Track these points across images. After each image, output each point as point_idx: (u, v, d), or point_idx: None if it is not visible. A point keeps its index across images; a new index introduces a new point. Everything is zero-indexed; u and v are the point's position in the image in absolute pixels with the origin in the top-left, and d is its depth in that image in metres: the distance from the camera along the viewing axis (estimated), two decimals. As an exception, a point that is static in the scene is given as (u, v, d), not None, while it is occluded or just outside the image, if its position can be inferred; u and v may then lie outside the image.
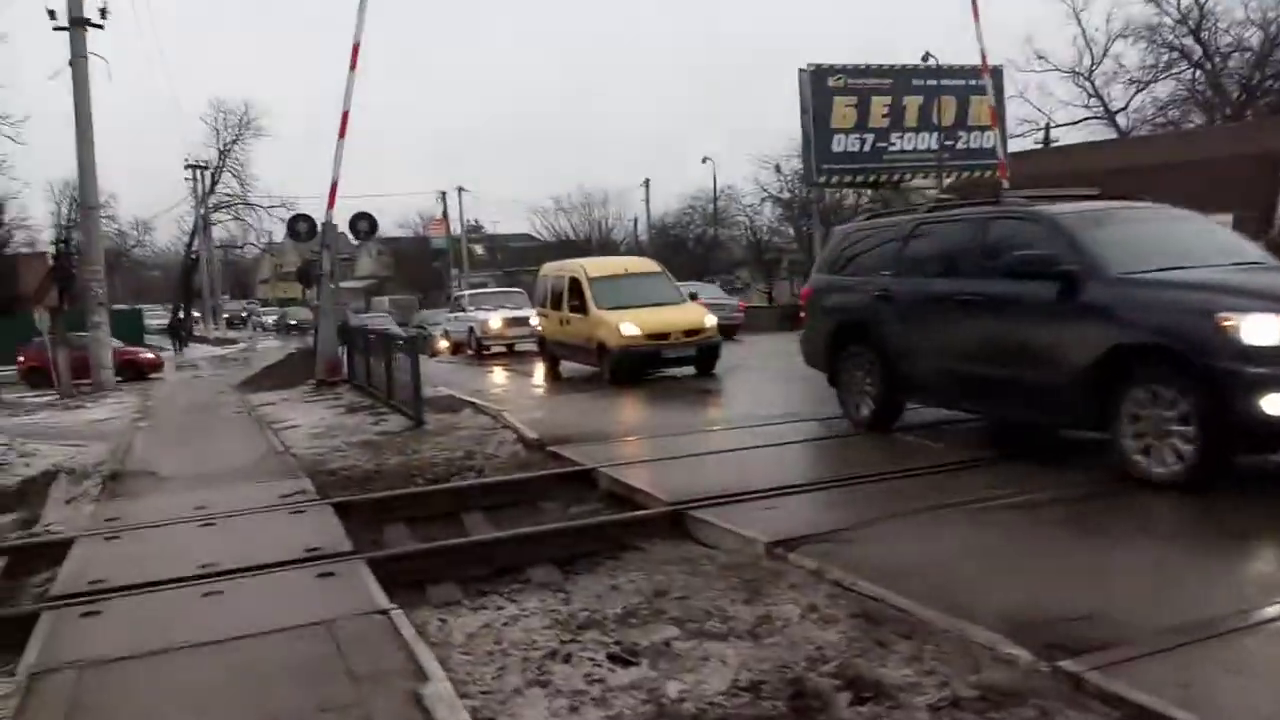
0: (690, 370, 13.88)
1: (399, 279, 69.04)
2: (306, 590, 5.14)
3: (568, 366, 15.71)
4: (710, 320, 14.20)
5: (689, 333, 13.71)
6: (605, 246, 52.11)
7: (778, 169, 48.77)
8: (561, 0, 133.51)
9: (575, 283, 14.75)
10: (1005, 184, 20.10)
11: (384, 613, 4.64)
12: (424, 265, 67.01)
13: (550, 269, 16.68)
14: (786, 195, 49.55)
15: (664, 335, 13.50)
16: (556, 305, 15.37)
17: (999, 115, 23.73)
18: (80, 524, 6.99)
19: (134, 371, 25.27)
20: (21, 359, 23.23)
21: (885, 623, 4.24)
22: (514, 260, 69.27)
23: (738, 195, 52.64)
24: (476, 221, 67.20)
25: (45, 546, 6.42)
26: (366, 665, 4.01)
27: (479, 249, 69.60)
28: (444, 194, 60.70)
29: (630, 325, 13.43)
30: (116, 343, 28.45)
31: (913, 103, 25.42)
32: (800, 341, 9.72)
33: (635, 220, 59.83)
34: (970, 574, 4.81)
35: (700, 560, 5.44)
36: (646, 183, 57.12)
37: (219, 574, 5.40)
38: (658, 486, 6.90)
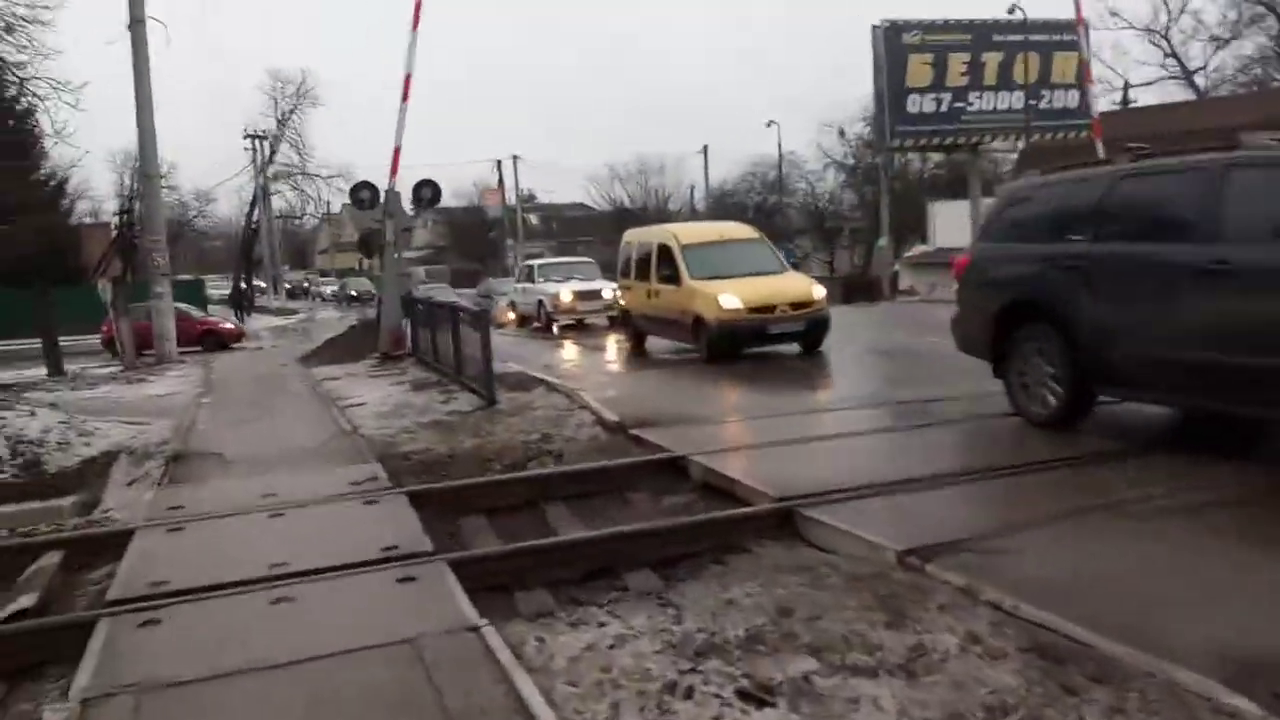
0: (794, 347, 12.76)
1: (454, 249, 69.07)
2: (386, 598, 4.62)
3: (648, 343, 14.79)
4: (819, 291, 12.99)
5: (796, 305, 12.46)
6: (662, 215, 51.31)
7: (841, 133, 47.59)
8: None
9: (665, 250, 13.58)
10: (1100, 144, 18.95)
11: (475, 629, 4.10)
12: (479, 235, 66.92)
13: (634, 235, 15.54)
14: (850, 161, 48.30)
15: (769, 308, 12.28)
16: (643, 275, 14.20)
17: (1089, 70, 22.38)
18: (141, 512, 6.58)
19: (215, 341, 25.05)
20: (105, 329, 23.18)
21: (1067, 660, 3.59)
22: (568, 230, 68.85)
23: (799, 161, 51.55)
24: (530, 191, 66.86)
25: (104, 538, 6.01)
26: (461, 699, 3.48)
27: (533, 219, 69.24)
28: (499, 163, 60.42)
29: (731, 297, 12.24)
30: (198, 312, 28.46)
31: (993, 60, 24.06)
32: (952, 323, 8.44)
33: (692, 188, 58.99)
34: (1149, 595, 4.13)
35: (821, 569, 4.81)
36: (705, 149, 56.20)
37: (290, 576, 4.91)
38: (761, 478, 6.27)
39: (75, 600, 5.26)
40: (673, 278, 13.22)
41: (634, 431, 8.16)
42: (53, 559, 5.64)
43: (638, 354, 14.64)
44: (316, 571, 4.95)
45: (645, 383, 11.85)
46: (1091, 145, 20.18)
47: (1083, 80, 22.86)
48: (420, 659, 3.84)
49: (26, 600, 4.97)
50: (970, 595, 4.22)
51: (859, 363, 12.44)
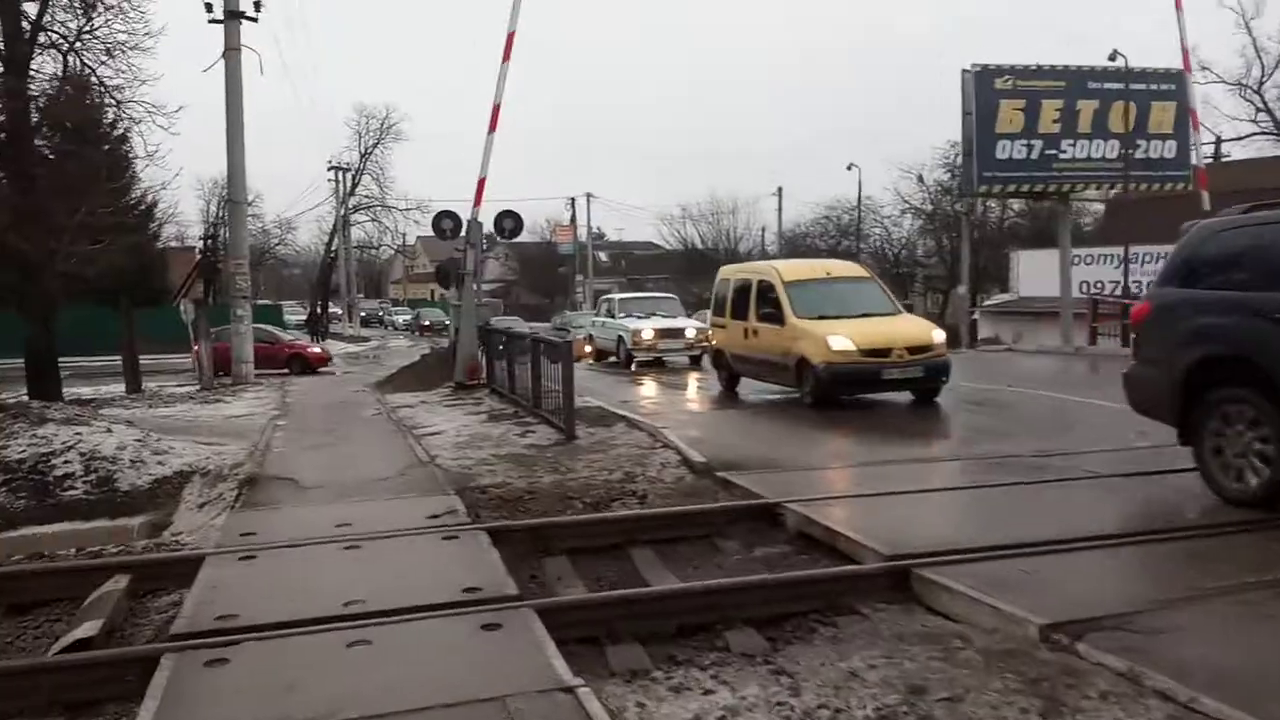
0: (902, 394, 11.93)
1: (524, 284, 69.70)
2: (470, 647, 4.23)
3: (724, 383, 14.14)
4: (939, 335, 12.03)
5: (914, 349, 11.53)
6: (732, 256, 51.05)
7: (920, 179, 46.87)
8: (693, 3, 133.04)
9: (766, 287, 12.75)
10: (1205, 194, 18.12)
11: (569, 690, 3.67)
12: (550, 270, 67.44)
13: (731, 271, 14.84)
14: (929, 207, 47.52)
15: (883, 352, 11.38)
16: (739, 313, 13.36)
17: (1188, 119, 21.53)
18: (212, 537, 6.32)
19: (301, 364, 25.20)
20: (197, 348, 23.48)
21: (1270, 771, 3.03)
22: (637, 268, 69.06)
23: (875, 207, 50.91)
24: (599, 229, 67.27)
25: (173, 563, 5.75)
26: (559, 776, 3.04)
27: (603, 256, 69.58)
28: (572, 200, 60.85)
29: (842, 339, 11.38)
30: (287, 336, 28.73)
31: (1087, 107, 23.18)
32: (1125, 378, 7.34)
33: (763, 230, 58.64)
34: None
35: (950, 641, 4.29)
36: (779, 191, 55.93)
37: (366, 616, 4.55)
38: (868, 532, 5.75)
39: (140, 629, 4.98)
40: (775, 317, 12.41)
41: (722, 474, 7.71)
42: (119, 583, 5.38)
43: (727, 394, 13.87)
44: (395, 612, 4.58)
45: (731, 423, 11.37)
46: (1189, 196, 19.36)
47: (1188, 128, 22.01)
48: (510, 722, 3.42)
49: (89, 628, 4.68)
50: (1133, 682, 3.67)
51: (960, 411, 11.63)
